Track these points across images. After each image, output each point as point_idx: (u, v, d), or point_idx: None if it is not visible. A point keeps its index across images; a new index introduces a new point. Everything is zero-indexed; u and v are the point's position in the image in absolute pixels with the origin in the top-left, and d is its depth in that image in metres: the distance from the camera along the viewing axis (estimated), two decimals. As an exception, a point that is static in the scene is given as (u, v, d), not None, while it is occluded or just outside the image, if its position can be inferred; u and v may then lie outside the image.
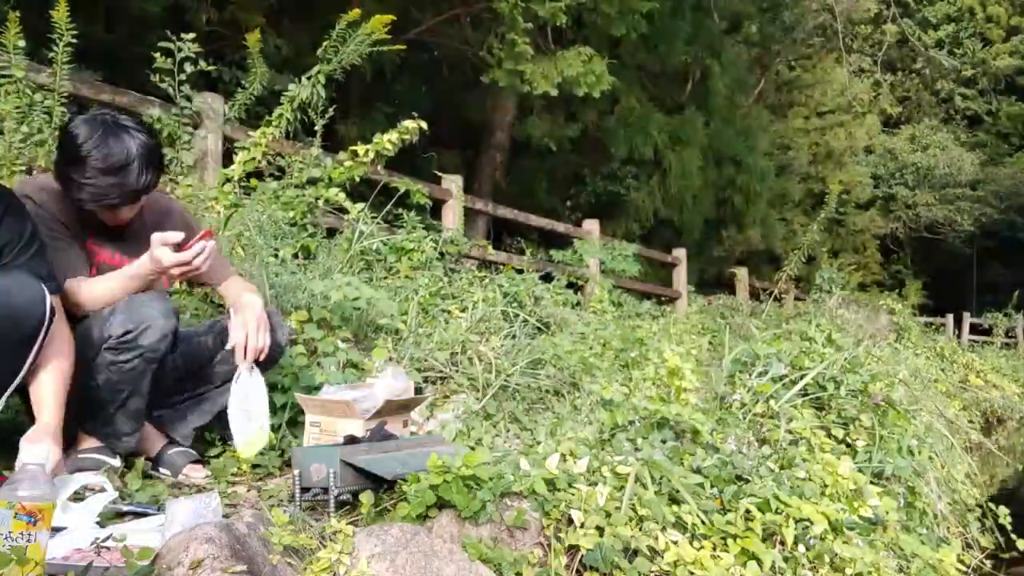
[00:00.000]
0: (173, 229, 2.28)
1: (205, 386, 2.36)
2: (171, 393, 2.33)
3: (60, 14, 3.80)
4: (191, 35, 4.38)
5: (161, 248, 2.07)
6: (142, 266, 2.11)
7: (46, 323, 1.87)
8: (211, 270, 2.24)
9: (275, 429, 2.53)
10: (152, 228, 2.26)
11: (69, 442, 2.16)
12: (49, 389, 1.92)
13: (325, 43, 4.72)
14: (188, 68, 4.37)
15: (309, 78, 4.64)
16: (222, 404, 2.33)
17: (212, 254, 2.12)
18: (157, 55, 4.34)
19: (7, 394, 1.88)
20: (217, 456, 2.38)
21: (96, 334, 2.07)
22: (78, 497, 1.80)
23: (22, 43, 3.70)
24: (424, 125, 4.86)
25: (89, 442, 2.17)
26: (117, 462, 2.15)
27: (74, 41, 3.87)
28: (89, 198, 2.07)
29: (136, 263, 2.13)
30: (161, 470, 2.25)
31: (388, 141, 4.77)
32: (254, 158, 4.50)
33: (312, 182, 4.64)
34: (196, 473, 2.23)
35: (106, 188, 2.07)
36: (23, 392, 1.96)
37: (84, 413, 2.12)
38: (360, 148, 4.81)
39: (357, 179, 4.83)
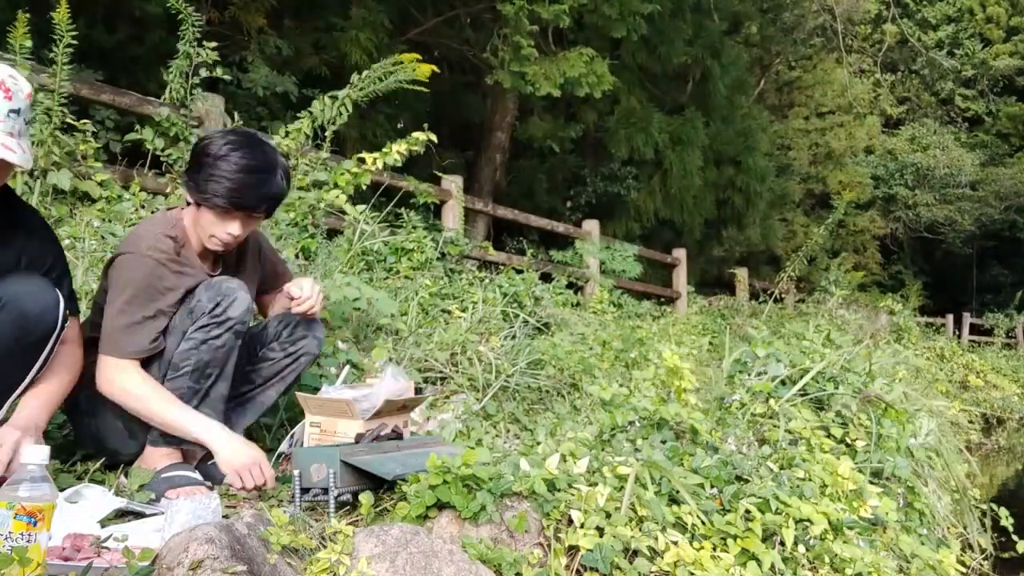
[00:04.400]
0: (252, 269, 2.38)
1: (247, 387, 2.32)
2: None
3: (61, 15, 3.80)
4: (212, 44, 4.41)
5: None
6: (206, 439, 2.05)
7: (57, 330, 1.86)
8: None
9: (274, 429, 2.53)
10: (234, 272, 2.30)
11: (123, 456, 2.15)
12: (45, 396, 1.91)
13: (366, 73, 4.73)
14: (203, 72, 4.40)
15: (333, 98, 4.65)
16: (265, 403, 2.35)
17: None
18: (178, 57, 4.36)
19: (12, 398, 1.88)
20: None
21: (179, 321, 2.07)
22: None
23: (29, 43, 3.70)
24: (434, 138, 4.87)
25: (164, 459, 2.10)
26: (199, 476, 2.10)
27: (74, 42, 3.88)
28: (225, 193, 2.07)
29: (209, 435, 2.04)
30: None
31: (396, 152, 4.78)
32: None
33: (319, 185, 4.65)
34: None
35: (246, 187, 2.09)
36: None
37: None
38: (368, 156, 4.82)
39: (364, 187, 4.84)
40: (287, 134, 4.56)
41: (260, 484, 2.02)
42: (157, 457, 2.10)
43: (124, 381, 2.03)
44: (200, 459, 2.24)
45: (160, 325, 2.08)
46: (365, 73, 4.74)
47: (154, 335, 2.07)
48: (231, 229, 2.13)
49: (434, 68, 4.94)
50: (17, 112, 1.75)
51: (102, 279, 2.17)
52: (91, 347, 2.10)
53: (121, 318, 2.04)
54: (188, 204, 2.19)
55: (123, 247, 2.13)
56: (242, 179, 2.07)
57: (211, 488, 2.10)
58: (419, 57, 4.91)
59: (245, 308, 2.08)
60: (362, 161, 4.80)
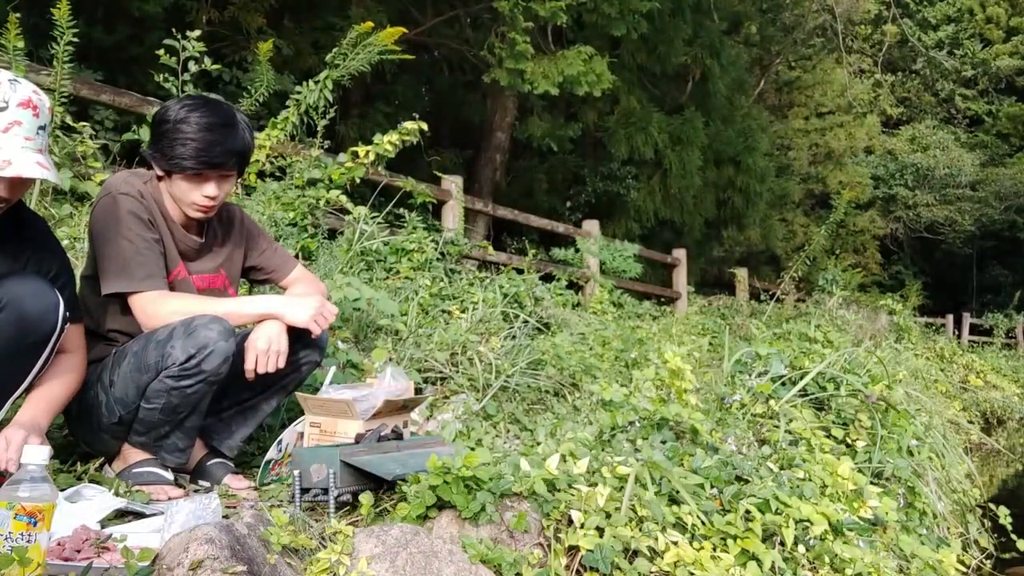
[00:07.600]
0: (237, 240, 2.34)
1: (247, 393, 2.27)
2: (216, 400, 2.19)
3: (62, 13, 3.80)
4: (195, 32, 4.40)
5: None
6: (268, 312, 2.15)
7: (57, 332, 1.85)
8: (276, 268, 2.41)
9: (276, 430, 2.53)
10: (221, 242, 2.29)
11: (111, 456, 2.15)
12: (47, 398, 1.92)
13: (335, 50, 4.73)
14: (192, 67, 4.38)
15: (316, 82, 4.65)
16: (268, 411, 2.33)
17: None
18: (161, 52, 4.35)
19: (12, 399, 1.88)
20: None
21: (153, 359, 2.00)
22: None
23: (21, 44, 3.70)
24: (424, 126, 4.88)
25: (138, 455, 2.11)
26: (170, 475, 2.11)
27: (75, 40, 3.88)
28: (193, 154, 2.05)
29: (268, 305, 2.17)
30: (200, 482, 2.20)
31: (388, 142, 4.78)
32: (257, 160, 4.50)
33: (313, 183, 4.65)
34: (237, 483, 2.17)
35: (212, 144, 2.06)
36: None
37: (135, 431, 2.08)
38: (360, 149, 4.82)
39: (358, 180, 4.85)
40: (275, 125, 4.57)
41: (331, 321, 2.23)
42: (133, 455, 2.13)
43: (166, 308, 2.06)
44: (200, 459, 2.25)
45: (160, 251, 2.11)
46: (336, 50, 4.74)
47: (161, 261, 2.11)
48: (207, 191, 2.11)
49: (403, 30, 4.94)
50: (43, 128, 1.76)
51: (88, 246, 2.18)
52: (90, 340, 2.11)
53: (127, 248, 2.05)
54: (160, 178, 2.16)
55: (96, 200, 2.15)
56: (206, 137, 2.06)
57: (182, 487, 2.12)
58: (404, 31, 4.92)
59: (221, 360, 2.01)
60: (356, 155, 4.81)
